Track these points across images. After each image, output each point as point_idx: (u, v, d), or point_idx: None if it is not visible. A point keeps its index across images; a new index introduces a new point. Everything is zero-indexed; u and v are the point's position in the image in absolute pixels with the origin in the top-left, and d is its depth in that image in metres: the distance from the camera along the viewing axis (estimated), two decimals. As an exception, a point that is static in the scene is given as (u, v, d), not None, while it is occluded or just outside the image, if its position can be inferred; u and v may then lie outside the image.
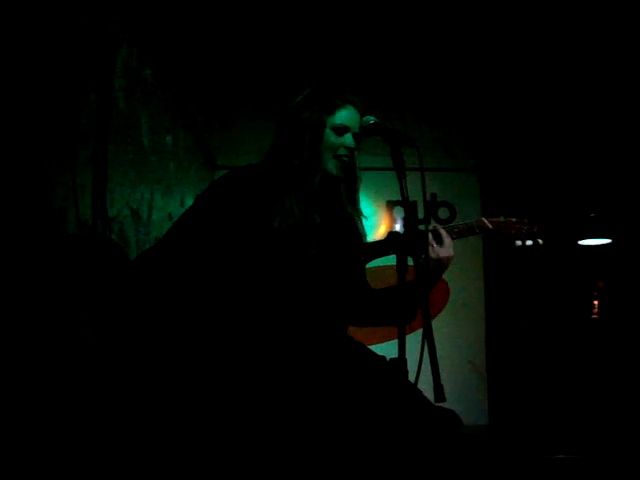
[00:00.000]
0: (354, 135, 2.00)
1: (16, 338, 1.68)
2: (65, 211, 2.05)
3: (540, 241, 2.12)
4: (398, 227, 4.77)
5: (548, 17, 3.97)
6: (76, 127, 2.15)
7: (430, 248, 1.97)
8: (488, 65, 4.59)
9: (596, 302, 4.99)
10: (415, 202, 4.47)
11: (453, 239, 2.03)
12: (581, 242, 5.06)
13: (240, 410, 1.78)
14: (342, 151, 1.98)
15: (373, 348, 2.01)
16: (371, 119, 1.92)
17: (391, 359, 1.78)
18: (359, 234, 2.10)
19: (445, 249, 1.98)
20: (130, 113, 2.77)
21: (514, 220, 2.13)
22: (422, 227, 1.94)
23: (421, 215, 4.59)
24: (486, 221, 2.11)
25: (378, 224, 4.78)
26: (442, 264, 1.98)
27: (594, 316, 4.97)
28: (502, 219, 2.13)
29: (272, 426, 1.77)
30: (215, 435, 1.79)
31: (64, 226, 2.05)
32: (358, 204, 2.12)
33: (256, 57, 4.47)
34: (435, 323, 1.90)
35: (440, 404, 1.63)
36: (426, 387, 1.68)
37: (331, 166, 1.99)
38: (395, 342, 1.71)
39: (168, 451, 1.90)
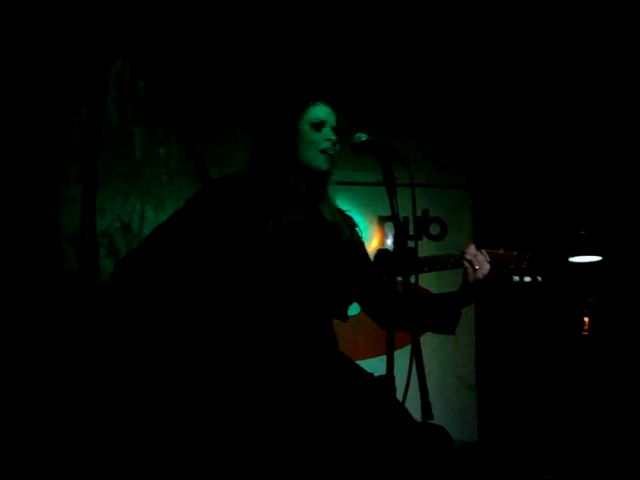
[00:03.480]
0: (333, 129, 2.03)
1: (7, 338, 1.67)
2: (54, 223, 2.04)
3: (540, 278, 2.04)
4: (389, 243, 4.77)
5: (540, 29, 4.00)
6: (67, 139, 2.15)
7: (472, 270, 1.99)
8: (480, 81, 4.62)
9: (586, 319, 5.00)
10: (407, 219, 4.48)
11: (447, 269, 2.04)
12: (572, 259, 5.07)
13: (223, 415, 1.77)
14: (325, 144, 2.00)
15: (361, 364, 2.01)
16: (362, 136, 1.94)
17: (379, 376, 1.79)
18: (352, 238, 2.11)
19: (480, 271, 1.99)
20: (122, 126, 2.77)
21: (515, 254, 2.06)
22: (411, 244, 1.94)
23: (412, 231, 4.59)
24: (485, 253, 2.05)
25: (370, 239, 4.78)
26: (479, 284, 2.01)
27: (584, 333, 4.98)
28: (501, 252, 2.07)
29: (258, 438, 1.76)
30: (200, 439, 1.78)
31: (54, 237, 2.05)
32: (332, 200, 2.13)
33: (249, 71, 4.49)
34: (424, 339, 1.90)
35: (428, 421, 1.63)
36: (414, 404, 1.68)
37: (318, 161, 2.00)
38: (383, 358, 1.71)
39: (161, 452, 1.89)
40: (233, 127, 4.94)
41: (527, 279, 2.05)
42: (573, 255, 5.03)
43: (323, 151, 2.00)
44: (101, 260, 2.39)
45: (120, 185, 2.75)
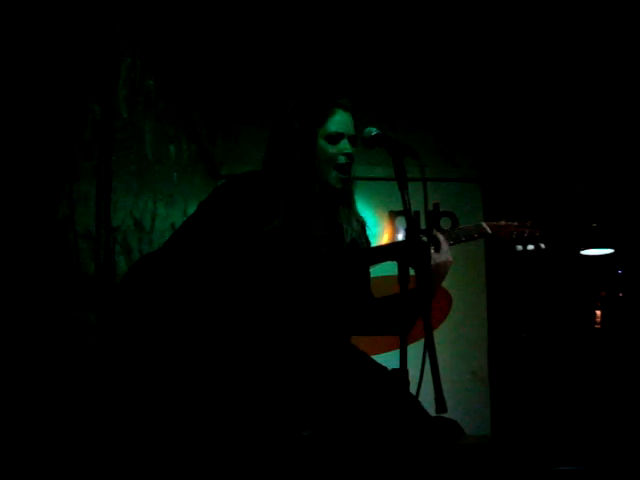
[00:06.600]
0: (349, 138, 1.99)
1: (16, 342, 1.68)
2: (69, 221, 2.05)
3: (542, 245, 2.05)
4: (400, 237, 4.77)
5: (549, 24, 3.98)
6: (80, 137, 2.16)
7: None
8: (490, 74, 4.60)
9: (598, 312, 4.98)
10: (418, 212, 4.47)
11: (450, 245, 2.01)
12: (583, 252, 5.05)
13: (237, 415, 1.78)
14: (341, 159, 1.97)
15: (375, 358, 2.02)
16: (373, 130, 1.92)
17: (392, 370, 1.79)
18: (359, 240, 2.09)
19: (443, 254, 1.94)
20: (133, 123, 2.78)
21: (516, 224, 2.08)
22: (424, 238, 1.93)
23: (424, 225, 4.59)
24: (485, 225, 2.08)
25: (381, 234, 4.79)
26: (439, 270, 1.93)
27: (597, 326, 4.96)
28: (503, 223, 2.09)
29: (271, 432, 1.77)
30: (211, 439, 1.79)
31: (67, 236, 2.06)
32: (355, 209, 2.10)
33: (259, 68, 4.49)
34: (437, 333, 1.90)
35: (442, 415, 1.63)
36: (428, 398, 1.68)
37: (333, 178, 1.98)
38: (397, 352, 1.71)
39: (166, 452, 1.90)
40: (243, 124, 4.96)
41: (530, 247, 2.05)
42: (585, 248, 5.02)
43: (338, 167, 1.96)
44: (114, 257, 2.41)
45: (131, 182, 2.76)
